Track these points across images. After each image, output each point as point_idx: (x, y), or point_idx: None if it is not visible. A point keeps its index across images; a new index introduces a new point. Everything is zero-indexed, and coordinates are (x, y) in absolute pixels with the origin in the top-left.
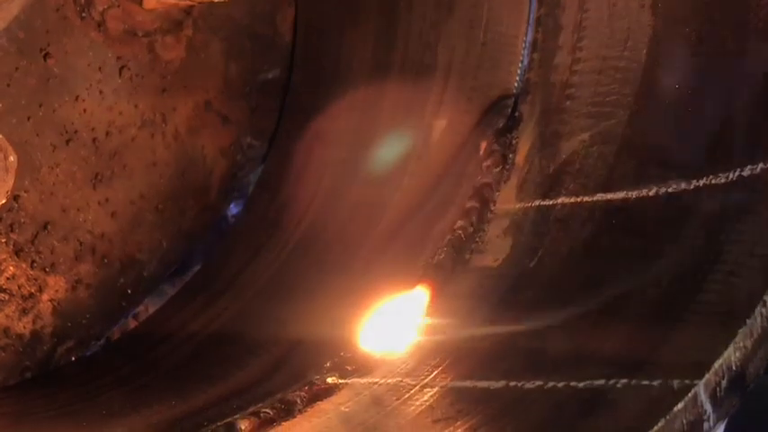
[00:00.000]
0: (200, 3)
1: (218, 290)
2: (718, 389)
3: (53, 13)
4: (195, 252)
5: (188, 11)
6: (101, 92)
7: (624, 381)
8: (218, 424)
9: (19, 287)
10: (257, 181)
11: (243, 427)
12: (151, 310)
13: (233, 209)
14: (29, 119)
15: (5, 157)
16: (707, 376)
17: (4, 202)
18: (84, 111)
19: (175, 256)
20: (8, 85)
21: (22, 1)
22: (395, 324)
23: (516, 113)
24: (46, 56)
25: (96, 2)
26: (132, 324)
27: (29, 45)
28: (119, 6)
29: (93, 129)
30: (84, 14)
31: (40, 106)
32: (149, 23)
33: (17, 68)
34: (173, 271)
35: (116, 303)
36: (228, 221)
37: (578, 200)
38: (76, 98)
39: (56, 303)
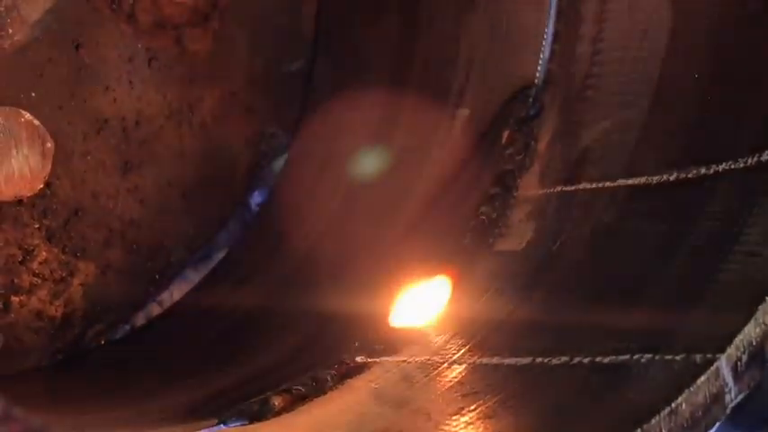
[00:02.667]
0: None
1: (244, 275)
2: (738, 363)
3: (85, 4)
4: (220, 239)
5: (215, 3)
6: (130, 82)
7: (648, 356)
8: (252, 400)
9: (51, 272)
10: (281, 170)
11: (276, 403)
12: (176, 296)
13: (257, 197)
14: (61, 108)
15: (43, 143)
16: (728, 351)
17: (41, 187)
18: (115, 100)
19: (201, 242)
20: (41, 75)
21: None
22: (422, 305)
23: (538, 103)
24: (78, 47)
25: None
26: (157, 310)
27: (61, 36)
28: None
29: (123, 118)
30: (114, 6)
31: (72, 96)
32: (178, 16)
33: (50, 59)
34: (198, 257)
35: (144, 288)
36: (252, 209)
37: (600, 185)
38: (107, 88)
39: (86, 288)
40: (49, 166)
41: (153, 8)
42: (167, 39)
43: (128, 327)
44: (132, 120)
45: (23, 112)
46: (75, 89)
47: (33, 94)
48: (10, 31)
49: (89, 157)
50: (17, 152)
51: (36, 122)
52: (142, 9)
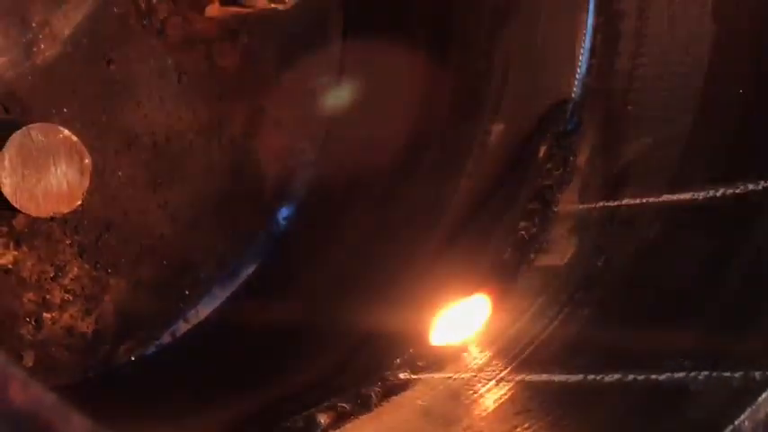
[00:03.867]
0: (259, 10)
1: (274, 290)
2: None
3: (115, 20)
4: (248, 255)
5: (244, 19)
6: (161, 98)
7: (705, 373)
8: (297, 417)
9: (83, 288)
10: (308, 185)
11: (322, 421)
12: (203, 313)
13: (284, 212)
14: (93, 124)
15: (81, 160)
16: None
17: (79, 203)
18: (145, 116)
19: (230, 258)
20: (73, 91)
21: (86, 9)
22: (463, 321)
23: (576, 117)
24: (109, 62)
25: (158, 10)
26: (184, 327)
27: (92, 52)
28: (179, 15)
29: (153, 133)
30: (145, 22)
31: (104, 111)
32: (207, 31)
33: (81, 75)
34: (227, 273)
35: (174, 304)
36: (280, 225)
37: (643, 201)
38: (138, 104)
39: (117, 304)
40: (87, 183)
41: (183, 24)
42: (197, 54)
43: (158, 343)
44: (163, 135)
45: (61, 128)
46: (107, 105)
47: (65, 110)
48: (42, 46)
49: (120, 173)
50: (56, 169)
51: (74, 139)
52: (172, 25)
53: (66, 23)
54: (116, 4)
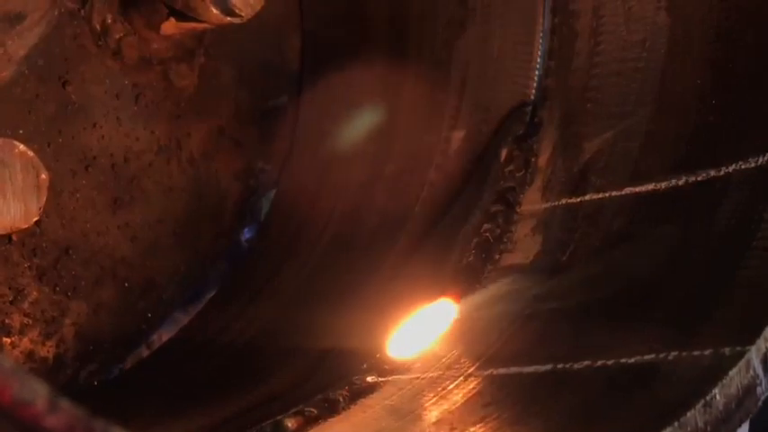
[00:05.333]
0: (216, 27)
1: (239, 308)
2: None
3: (71, 41)
4: (210, 277)
5: (200, 39)
6: (118, 118)
7: (675, 353)
8: (264, 423)
9: (42, 312)
10: (270, 205)
11: (290, 425)
12: (165, 335)
13: (246, 233)
14: (49, 145)
15: (38, 175)
16: (757, 342)
17: (36, 219)
18: (103, 137)
19: (192, 280)
20: (29, 112)
21: (41, 29)
22: (429, 324)
23: (536, 119)
24: (65, 83)
25: (113, 30)
26: (146, 352)
27: (48, 73)
28: (135, 34)
29: (111, 154)
30: (100, 42)
31: (60, 133)
32: (164, 51)
33: (37, 95)
34: (189, 296)
35: (136, 327)
36: (242, 246)
37: (606, 195)
38: (95, 125)
39: (78, 327)
40: (44, 199)
41: (139, 43)
42: (154, 74)
43: (121, 366)
44: (121, 156)
45: (17, 143)
46: (63, 126)
47: (21, 131)
48: None
49: (78, 195)
50: (11, 184)
51: (30, 154)
52: (128, 45)
53: (20, 44)
54: (71, 26)
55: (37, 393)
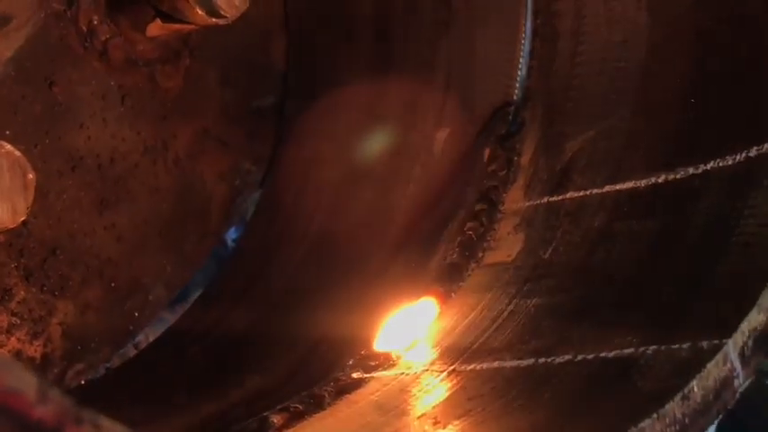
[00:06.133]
0: (201, 28)
1: (225, 307)
2: (745, 348)
3: (57, 42)
4: (197, 277)
5: (186, 41)
6: (104, 119)
7: (654, 347)
8: (250, 420)
9: (30, 311)
10: (256, 206)
11: (275, 421)
12: (152, 335)
13: (232, 233)
14: (36, 146)
15: (24, 175)
16: (734, 336)
17: (23, 219)
18: (89, 138)
19: (179, 280)
20: (15, 113)
21: (28, 31)
22: (413, 321)
23: (519, 119)
24: (51, 84)
25: (99, 32)
26: (134, 349)
27: (34, 74)
28: (121, 36)
29: (97, 155)
30: (86, 44)
31: (47, 133)
32: (149, 53)
33: (23, 97)
34: (176, 295)
35: (123, 326)
36: (229, 246)
37: (587, 193)
38: (81, 126)
39: (65, 327)
40: (32, 198)
41: (125, 45)
42: (140, 76)
43: (108, 366)
44: (107, 157)
45: (3, 143)
46: (50, 127)
47: (8, 132)
48: None
49: (65, 196)
50: None
51: (17, 153)
52: (114, 46)
53: (7, 46)
54: (57, 27)
55: (26, 384)
